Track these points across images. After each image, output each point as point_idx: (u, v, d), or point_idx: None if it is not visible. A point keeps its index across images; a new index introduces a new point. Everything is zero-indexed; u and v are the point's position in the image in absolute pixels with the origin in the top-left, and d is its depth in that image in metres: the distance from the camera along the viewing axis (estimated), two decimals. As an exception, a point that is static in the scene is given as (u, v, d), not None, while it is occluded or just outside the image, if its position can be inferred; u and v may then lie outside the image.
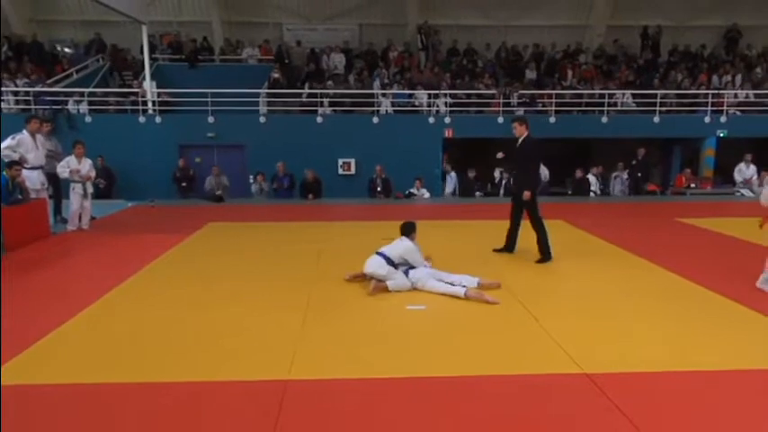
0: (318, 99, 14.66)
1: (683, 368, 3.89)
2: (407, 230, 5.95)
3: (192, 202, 12.92)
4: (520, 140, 6.92)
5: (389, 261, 5.64)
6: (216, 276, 6.26)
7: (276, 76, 15.68)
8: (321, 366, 3.91)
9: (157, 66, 16.69)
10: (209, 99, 13.98)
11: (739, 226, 9.19)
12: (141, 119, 14.15)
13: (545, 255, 6.82)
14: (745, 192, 14.22)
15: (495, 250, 7.28)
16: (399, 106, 15.27)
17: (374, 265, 5.63)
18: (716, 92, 15.71)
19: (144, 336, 4.47)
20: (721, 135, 15.27)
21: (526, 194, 6.78)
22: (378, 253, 5.74)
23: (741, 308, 5.13)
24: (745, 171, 14.59)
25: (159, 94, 14.77)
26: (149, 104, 14.46)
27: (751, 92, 16.19)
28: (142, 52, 14.80)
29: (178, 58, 17.57)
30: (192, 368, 3.89)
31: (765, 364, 3.97)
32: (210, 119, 14.12)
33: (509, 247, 7.24)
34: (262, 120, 14.42)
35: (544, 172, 13.11)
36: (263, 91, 15.18)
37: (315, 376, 3.76)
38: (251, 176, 13.66)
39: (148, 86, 14.53)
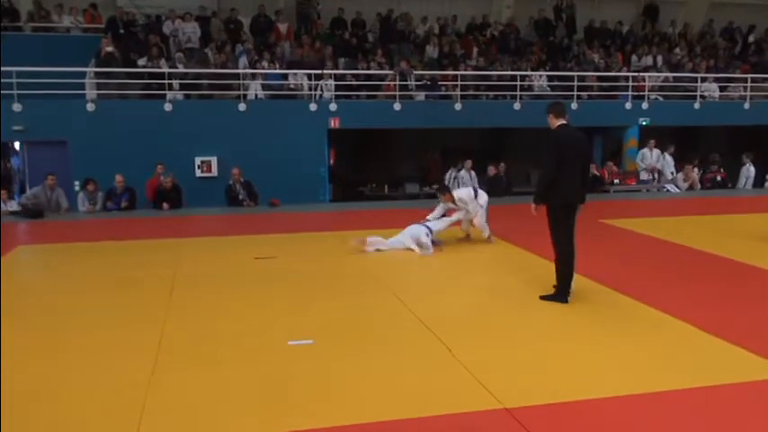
0: (166, 81, 14.16)
1: (619, 393, 4.11)
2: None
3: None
4: None
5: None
6: (26, 317, 5.85)
7: (108, 50, 14.90)
8: (178, 428, 3.75)
9: (-63, 35, 15.32)
10: (13, 80, 13.08)
11: (668, 226, 10.04)
12: None
13: (558, 291, 6.14)
14: (671, 187, 15.63)
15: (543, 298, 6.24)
16: (272, 90, 15.12)
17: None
18: (636, 74, 17.13)
19: None
20: (644, 123, 16.68)
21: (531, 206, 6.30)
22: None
23: (676, 321, 5.54)
24: (648, 157, 16.09)
25: (-60, 74, 13.70)
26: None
27: (673, 74, 17.82)
28: None
29: (-33, 25, 16.23)
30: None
31: (704, 381, 4.31)
32: (17, 106, 13.24)
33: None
34: (90, 107, 13.70)
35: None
36: (91, 69, 14.40)
37: (169, 442, 3.59)
38: (76, 184, 12.93)
39: (-77, 63, 13.36)
